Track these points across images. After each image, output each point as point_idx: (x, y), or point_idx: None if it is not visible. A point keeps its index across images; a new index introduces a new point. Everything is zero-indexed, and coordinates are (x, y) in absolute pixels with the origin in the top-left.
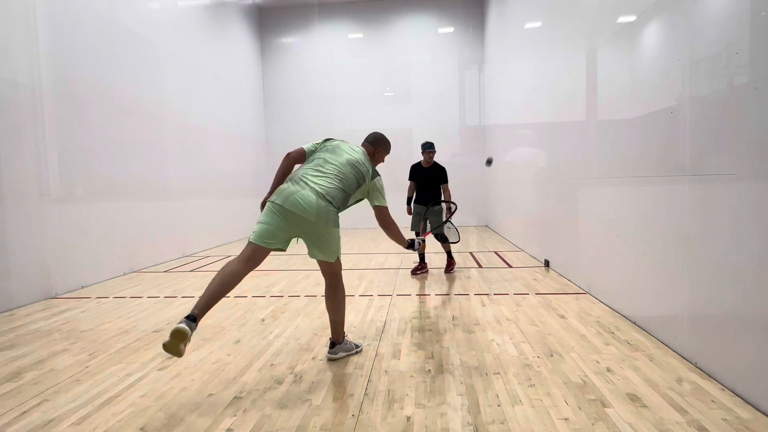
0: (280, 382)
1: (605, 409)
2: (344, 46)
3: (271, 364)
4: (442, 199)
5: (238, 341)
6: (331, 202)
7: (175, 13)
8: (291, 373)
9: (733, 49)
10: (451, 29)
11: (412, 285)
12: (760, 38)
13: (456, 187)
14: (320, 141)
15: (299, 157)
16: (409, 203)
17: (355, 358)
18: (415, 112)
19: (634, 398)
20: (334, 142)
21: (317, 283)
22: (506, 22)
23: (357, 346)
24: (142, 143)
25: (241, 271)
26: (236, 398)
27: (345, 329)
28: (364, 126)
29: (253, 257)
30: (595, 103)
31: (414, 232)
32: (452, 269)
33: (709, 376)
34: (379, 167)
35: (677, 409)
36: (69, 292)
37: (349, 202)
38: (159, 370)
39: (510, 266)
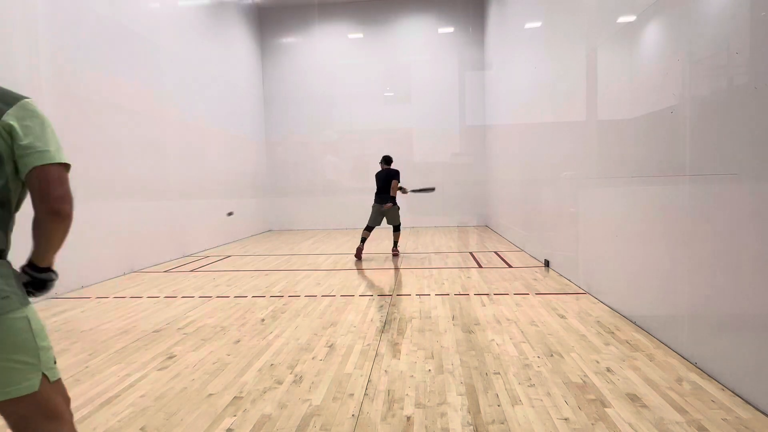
0: (280, 382)
1: (605, 409)
2: (344, 46)
3: (271, 364)
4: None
5: (238, 341)
6: None
7: (175, 13)
8: (291, 373)
9: (733, 49)
10: (451, 29)
11: (413, 285)
12: (760, 38)
13: (456, 186)
14: None
15: None
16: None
17: (354, 359)
18: (415, 112)
19: (634, 398)
20: None
21: (317, 283)
22: (506, 22)
23: None
24: (142, 143)
25: None
26: (236, 398)
27: (345, 329)
28: (365, 126)
29: None
30: (595, 103)
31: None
32: (396, 254)
33: (709, 376)
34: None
35: (677, 409)
36: (69, 292)
37: (11, 202)
38: (159, 370)
39: (510, 266)
